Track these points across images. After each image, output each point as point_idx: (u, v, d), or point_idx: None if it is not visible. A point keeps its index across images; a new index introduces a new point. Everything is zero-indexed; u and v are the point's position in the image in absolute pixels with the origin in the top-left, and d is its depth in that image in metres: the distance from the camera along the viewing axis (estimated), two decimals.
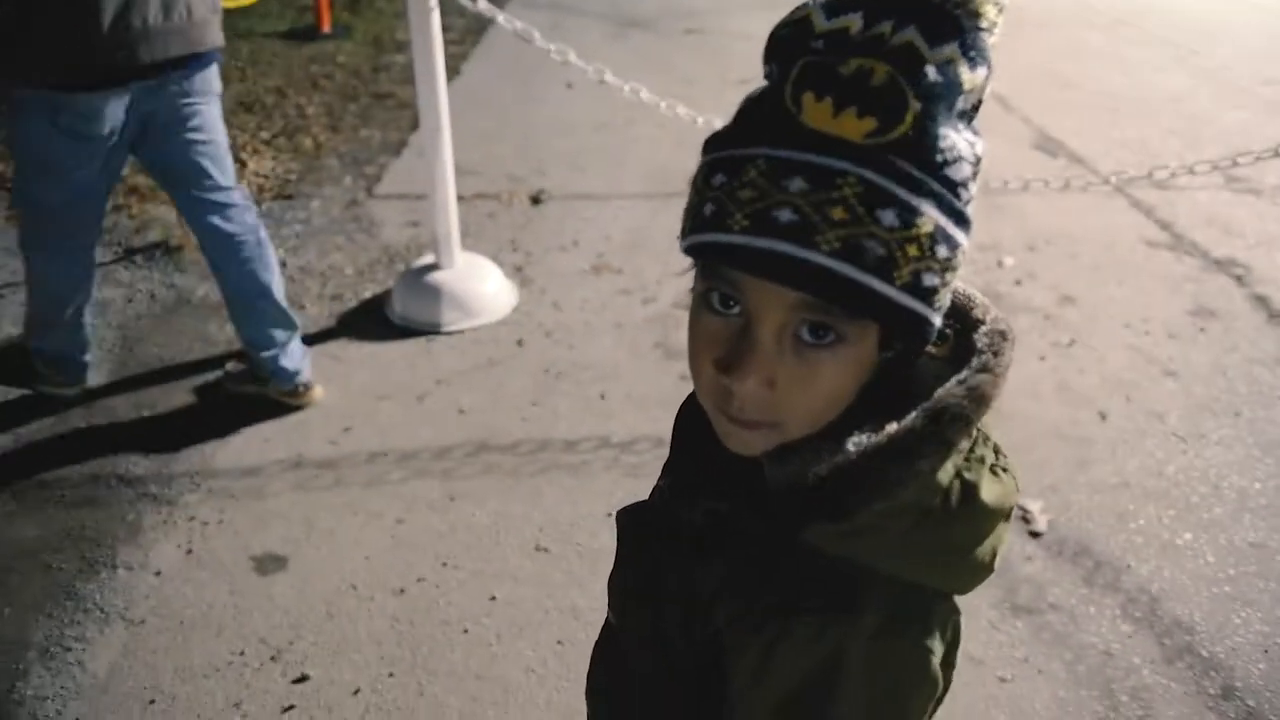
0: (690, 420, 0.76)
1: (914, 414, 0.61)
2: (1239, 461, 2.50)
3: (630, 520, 0.82)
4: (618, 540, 0.84)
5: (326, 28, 6.18)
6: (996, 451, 0.67)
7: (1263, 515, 2.29)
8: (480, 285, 3.10)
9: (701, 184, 0.60)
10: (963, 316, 0.69)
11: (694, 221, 0.60)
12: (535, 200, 3.96)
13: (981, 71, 0.57)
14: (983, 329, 0.67)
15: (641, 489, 0.82)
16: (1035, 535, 2.22)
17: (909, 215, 0.55)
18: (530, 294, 3.23)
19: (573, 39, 6.53)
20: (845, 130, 0.54)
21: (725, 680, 0.69)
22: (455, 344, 2.94)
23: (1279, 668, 1.90)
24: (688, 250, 0.61)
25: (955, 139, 0.57)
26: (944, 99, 0.56)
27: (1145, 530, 2.26)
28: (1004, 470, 0.66)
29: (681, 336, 3.17)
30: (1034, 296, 3.29)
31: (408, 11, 2.69)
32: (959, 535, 0.65)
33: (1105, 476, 2.43)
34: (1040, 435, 2.57)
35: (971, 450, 0.64)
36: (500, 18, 2.76)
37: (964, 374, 0.63)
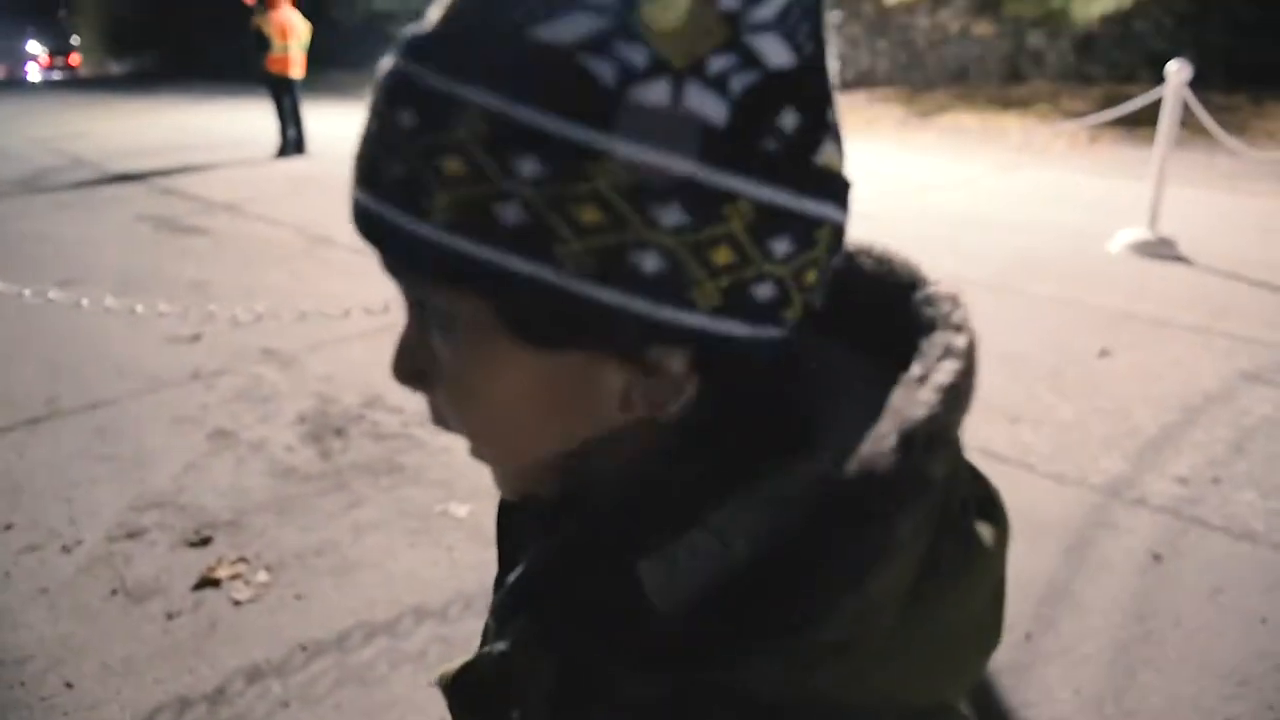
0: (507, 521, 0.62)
1: (863, 447, 0.37)
2: None
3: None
4: None
5: None
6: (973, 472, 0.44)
7: None
8: None
9: None
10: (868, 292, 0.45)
11: None
12: None
13: None
14: (920, 293, 0.44)
15: None
16: None
17: (441, 113, 0.35)
18: None
19: None
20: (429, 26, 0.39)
21: None
22: None
23: None
24: None
25: None
26: None
27: None
28: (993, 505, 0.44)
29: (137, 571, 2.57)
30: None
31: None
32: (963, 605, 0.41)
33: None
34: None
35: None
36: None
37: (915, 368, 0.40)
